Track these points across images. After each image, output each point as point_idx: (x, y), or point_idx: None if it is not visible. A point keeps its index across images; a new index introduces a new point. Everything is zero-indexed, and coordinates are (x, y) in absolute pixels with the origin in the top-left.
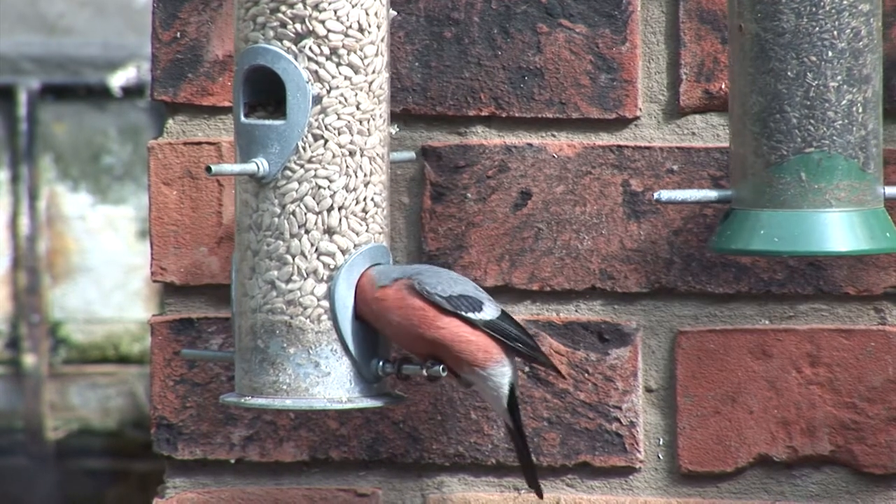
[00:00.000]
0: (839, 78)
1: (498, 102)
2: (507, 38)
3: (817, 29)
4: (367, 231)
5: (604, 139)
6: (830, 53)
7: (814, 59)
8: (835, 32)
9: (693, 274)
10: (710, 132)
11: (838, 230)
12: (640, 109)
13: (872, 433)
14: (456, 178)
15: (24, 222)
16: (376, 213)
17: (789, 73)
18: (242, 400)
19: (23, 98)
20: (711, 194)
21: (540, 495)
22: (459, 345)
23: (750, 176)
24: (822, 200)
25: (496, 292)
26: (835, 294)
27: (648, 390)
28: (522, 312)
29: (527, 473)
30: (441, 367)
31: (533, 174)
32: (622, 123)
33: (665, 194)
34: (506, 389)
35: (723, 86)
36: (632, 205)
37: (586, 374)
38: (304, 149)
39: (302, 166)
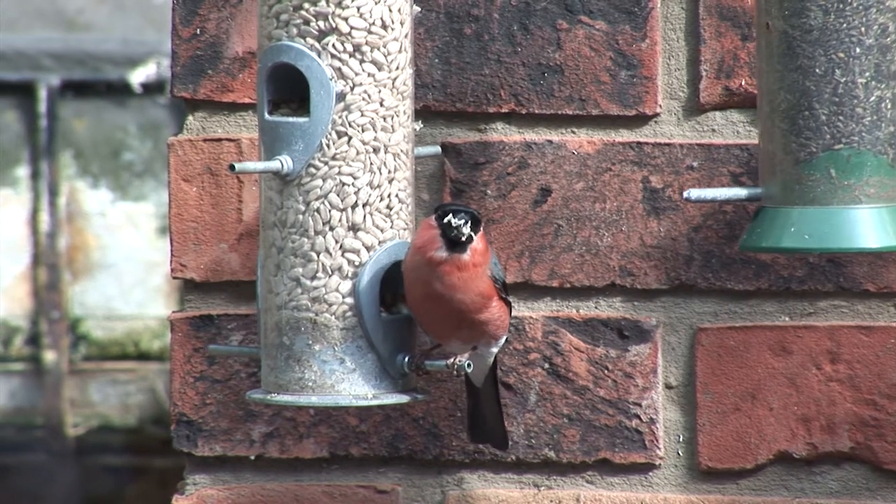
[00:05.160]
0: (867, 74)
1: (518, 99)
2: (526, 34)
3: (845, 25)
4: (391, 227)
5: (624, 136)
6: (858, 50)
7: (842, 55)
8: (862, 29)
9: (713, 270)
10: (730, 129)
11: (868, 227)
12: (660, 106)
13: (892, 430)
14: (476, 174)
15: (44, 219)
16: (401, 210)
17: (817, 70)
18: (268, 397)
19: (43, 94)
20: (741, 192)
21: (503, 447)
22: (496, 322)
23: (779, 173)
24: (851, 197)
25: (516, 289)
26: (855, 291)
27: (668, 387)
28: (542, 309)
29: (486, 429)
30: (467, 362)
31: (553, 171)
32: (642, 120)
33: (694, 193)
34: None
35: (743, 82)
36: (652, 201)
37: (606, 371)
38: (327, 146)
39: (326, 163)
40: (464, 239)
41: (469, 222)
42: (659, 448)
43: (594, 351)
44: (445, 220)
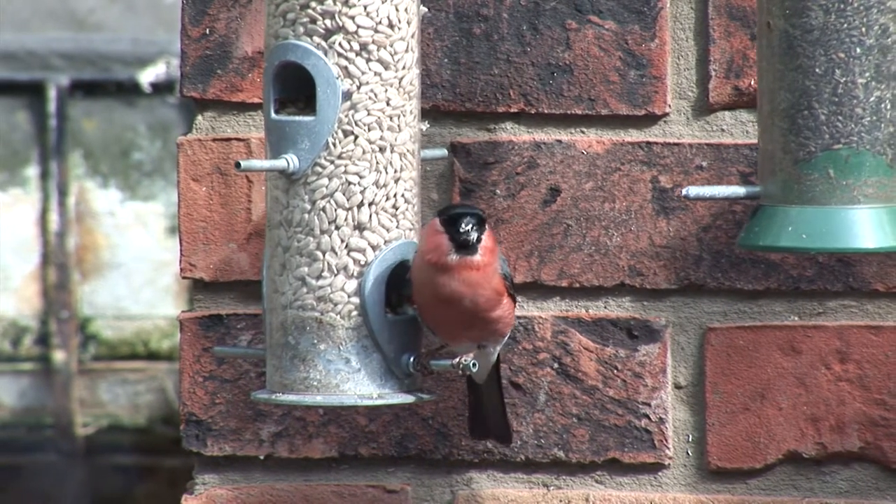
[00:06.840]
0: (867, 74)
1: (527, 99)
2: (536, 34)
3: (846, 25)
4: (397, 227)
5: (633, 136)
6: (859, 50)
7: (842, 55)
8: (863, 29)
9: (722, 270)
10: (739, 128)
11: (866, 227)
12: (670, 106)
13: None
14: (485, 174)
15: (53, 218)
16: (407, 210)
17: (817, 70)
18: (273, 396)
19: (52, 94)
20: (740, 190)
21: (506, 442)
22: (505, 320)
23: (778, 172)
24: (850, 197)
25: (525, 289)
26: (864, 290)
27: (677, 387)
28: (551, 309)
29: (488, 425)
30: (472, 362)
31: (562, 171)
32: (651, 120)
33: (693, 190)
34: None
35: (752, 82)
36: (661, 201)
37: (615, 371)
38: (333, 145)
39: (332, 162)
40: (473, 242)
41: (475, 224)
42: (668, 448)
43: (603, 351)
44: (453, 225)
